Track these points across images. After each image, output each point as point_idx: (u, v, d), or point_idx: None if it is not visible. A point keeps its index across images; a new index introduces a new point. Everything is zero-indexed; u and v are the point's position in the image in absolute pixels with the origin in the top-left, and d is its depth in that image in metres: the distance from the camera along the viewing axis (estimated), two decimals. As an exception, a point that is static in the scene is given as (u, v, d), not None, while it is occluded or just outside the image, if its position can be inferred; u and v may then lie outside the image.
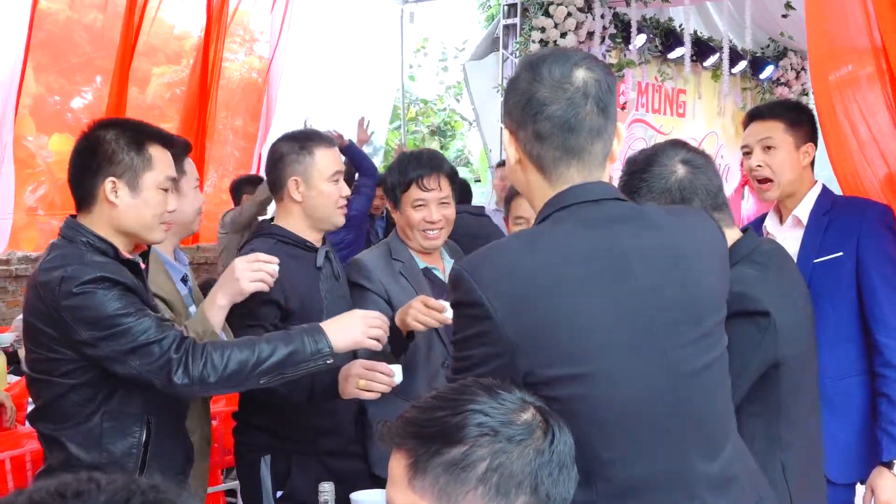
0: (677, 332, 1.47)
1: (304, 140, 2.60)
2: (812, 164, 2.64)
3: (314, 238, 2.62)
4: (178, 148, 2.30)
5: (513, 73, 1.58)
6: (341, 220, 2.66)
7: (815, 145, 2.61)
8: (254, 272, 2.28)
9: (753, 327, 1.88)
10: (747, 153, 2.65)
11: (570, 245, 1.46)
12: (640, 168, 1.98)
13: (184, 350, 1.98)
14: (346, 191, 2.64)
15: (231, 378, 2.03)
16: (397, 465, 1.20)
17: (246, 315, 2.37)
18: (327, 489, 2.02)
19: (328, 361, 2.12)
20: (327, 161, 2.59)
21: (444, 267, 2.84)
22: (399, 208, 2.74)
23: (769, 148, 2.57)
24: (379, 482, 2.40)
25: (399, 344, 2.48)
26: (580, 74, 1.49)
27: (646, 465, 1.44)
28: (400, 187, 2.72)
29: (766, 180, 2.59)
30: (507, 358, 1.40)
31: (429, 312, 2.39)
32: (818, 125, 2.65)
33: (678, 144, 2.05)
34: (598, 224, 1.48)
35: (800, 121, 2.59)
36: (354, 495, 2.20)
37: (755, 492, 1.61)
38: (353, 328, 2.18)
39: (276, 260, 2.31)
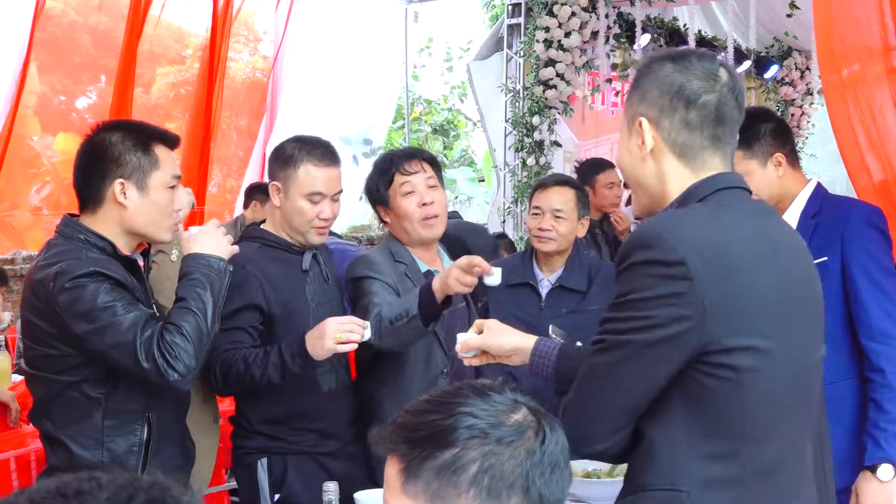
0: (812, 322, 1.59)
1: (300, 151, 2.53)
2: (796, 161, 2.58)
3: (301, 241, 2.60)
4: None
5: (642, 67, 1.64)
6: (316, 240, 2.59)
7: (785, 147, 2.54)
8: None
9: None
10: None
11: (745, 223, 1.54)
12: None
13: (160, 348, 2.00)
14: (328, 213, 2.55)
15: (200, 347, 2.06)
16: (391, 471, 1.20)
17: (226, 318, 2.34)
18: (331, 489, 2.01)
19: (230, 268, 2.19)
20: (311, 179, 2.51)
21: (443, 267, 2.78)
22: (389, 205, 2.67)
23: None
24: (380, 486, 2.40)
25: (432, 310, 2.39)
26: (724, 71, 1.57)
27: (781, 444, 1.51)
28: (383, 183, 2.66)
29: None
30: (695, 321, 1.42)
31: (474, 271, 2.31)
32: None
33: None
34: (756, 211, 1.59)
35: (755, 137, 2.51)
36: (358, 495, 2.20)
37: None
38: (209, 240, 2.19)
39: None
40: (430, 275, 2.70)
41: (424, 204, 2.62)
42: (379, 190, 2.68)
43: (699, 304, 1.42)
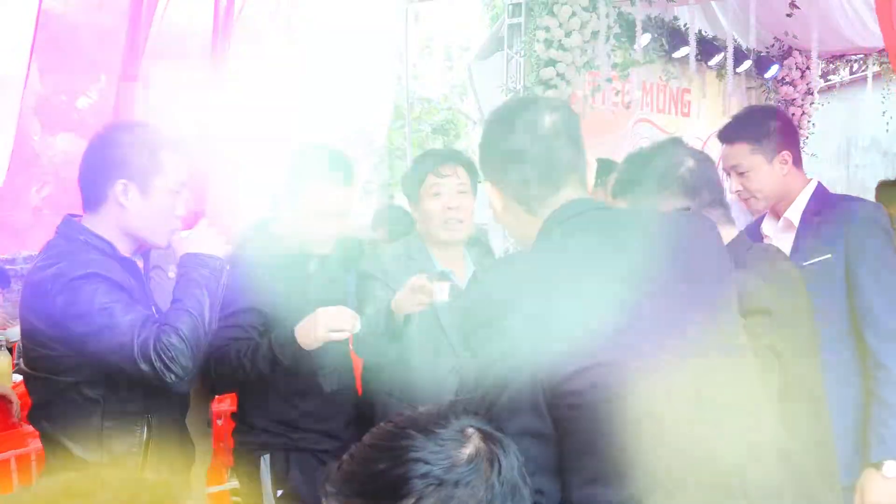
0: (685, 316, 1.51)
1: (314, 166, 2.50)
2: (800, 162, 2.60)
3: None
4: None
5: (483, 130, 1.67)
6: (317, 250, 2.59)
7: (794, 145, 2.56)
8: None
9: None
10: (729, 173, 2.64)
11: (570, 246, 1.53)
12: (646, 160, 1.99)
13: (157, 351, 1.99)
14: (331, 231, 2.54)
15: (197, 348, 2.05)
16: None
17: (225, 317, 2.35)
18: (332, 488, 2.02)
19: (226, 266, 2.17)
20: (321, 196, 2.49)
21: (465, 269, 2.77)
22: (418, 203, 2.70)
23: (742, 173, 2.56)
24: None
25: (392, 327, 2.44)
26: (548, 117, 1.59)
27: (682, 454, 1.46)
28: (416, 179, 2.68)
29: (751, 197, 2.59)
30: (530, 364, 1.42)
31: (420, 291, 2.36)
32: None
33: (679, 141, 2.07)
34: (595, 229, 1.55)
35: (765, 133, 2.52)
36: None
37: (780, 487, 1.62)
38: (204, 239, 2.17)
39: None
40: (444, 275, 2.71)
41: (449, 208, 2.64)
42: (412, 185, 2.70)
43: (527, 342, 1.43)
